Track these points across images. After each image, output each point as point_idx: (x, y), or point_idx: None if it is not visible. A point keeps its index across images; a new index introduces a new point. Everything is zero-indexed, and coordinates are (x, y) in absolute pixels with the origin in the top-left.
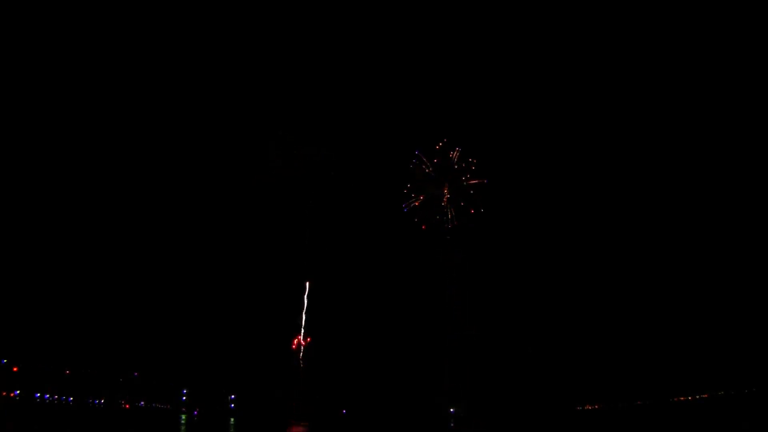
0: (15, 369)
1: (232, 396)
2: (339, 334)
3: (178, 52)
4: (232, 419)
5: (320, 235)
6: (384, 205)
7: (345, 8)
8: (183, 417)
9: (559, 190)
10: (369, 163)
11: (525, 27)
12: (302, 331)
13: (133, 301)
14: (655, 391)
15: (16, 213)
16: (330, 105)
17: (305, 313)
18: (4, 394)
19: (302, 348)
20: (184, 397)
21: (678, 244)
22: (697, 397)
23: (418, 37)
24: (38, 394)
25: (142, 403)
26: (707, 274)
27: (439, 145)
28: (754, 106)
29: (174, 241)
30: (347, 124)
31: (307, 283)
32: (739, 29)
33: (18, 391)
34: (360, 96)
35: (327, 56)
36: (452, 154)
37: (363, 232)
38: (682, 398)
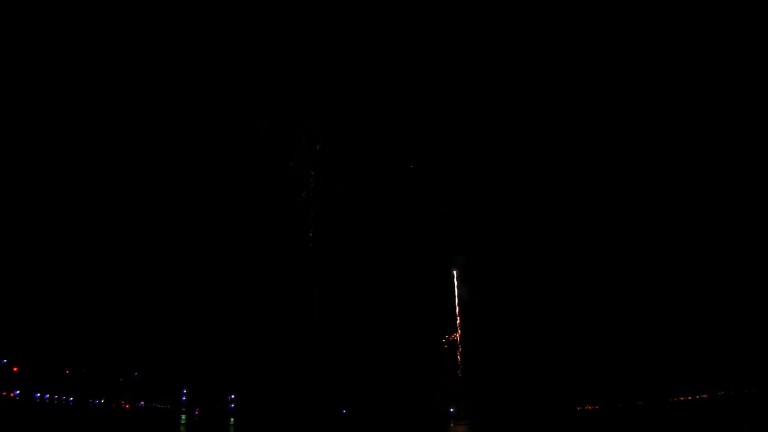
0: (15, 369)
1: (232, 396)
2: (347, 333)
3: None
4: (232, 419)
5: (318, 231)
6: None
7: None
8: (183, 417)
9: (558, 190)
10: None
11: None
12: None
13: (133, 301)
14: (655, 391)
15: (15, 212)
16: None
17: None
18: (4, 394)
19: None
20: (184, 397)
21: (677, 243)
22: (697, 397)
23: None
24: (38, 394)
25: (142, 403)
26: (706, 273)
27: None
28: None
29: (173, 239)
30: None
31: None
32: (739, 29)
33: (18, 391)
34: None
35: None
36: None
37: (363, 230)
38: (681, 398)
